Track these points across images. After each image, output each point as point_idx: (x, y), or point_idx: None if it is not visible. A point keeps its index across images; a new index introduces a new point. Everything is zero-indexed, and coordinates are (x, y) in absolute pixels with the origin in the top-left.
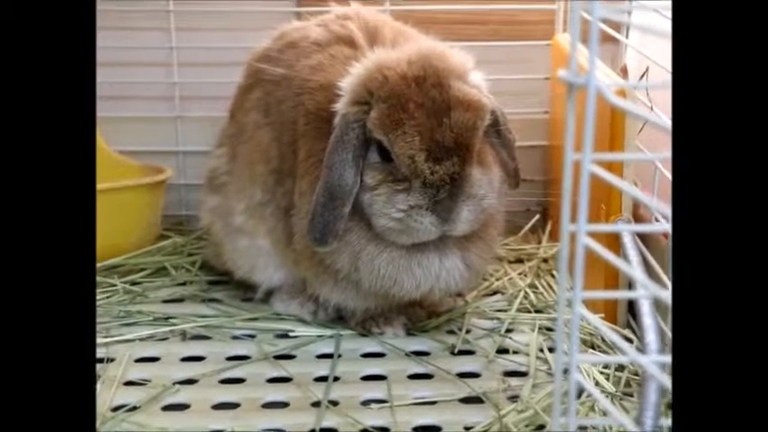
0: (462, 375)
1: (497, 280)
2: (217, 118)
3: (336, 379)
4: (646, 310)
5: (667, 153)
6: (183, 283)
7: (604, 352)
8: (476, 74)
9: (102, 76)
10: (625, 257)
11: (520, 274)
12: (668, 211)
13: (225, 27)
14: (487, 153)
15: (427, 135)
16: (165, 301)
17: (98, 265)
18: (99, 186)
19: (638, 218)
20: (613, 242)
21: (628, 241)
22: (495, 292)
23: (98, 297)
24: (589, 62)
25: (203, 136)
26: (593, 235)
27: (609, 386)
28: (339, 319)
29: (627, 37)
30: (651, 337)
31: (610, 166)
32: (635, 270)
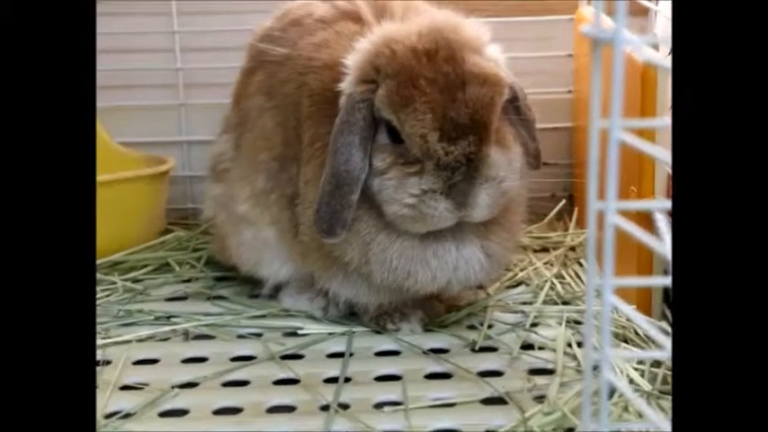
0: (484, 374)
1: (521, 270)
2: (223, 105)
3: (348, 380)
4: None
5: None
6: (188, 280)
7: (638, 346)
8: (493, 47)
9: (101, 63)
10: (659, 240)
11: (545, 263)
12: None
13: (229, 10)
14: (506, 132)
15: (440, 112)
16: (168, 299)
17: (97, 261)
18: (98, 178)
19: None
20: (645, 225)
21: (663, 224)
22: (518, 284)
23: (96, 295)
24: (616, 15)
25: (209, 124)
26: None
27: (644, 384)
28: (352, 315)
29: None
30: None
31: (640, 135)
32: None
